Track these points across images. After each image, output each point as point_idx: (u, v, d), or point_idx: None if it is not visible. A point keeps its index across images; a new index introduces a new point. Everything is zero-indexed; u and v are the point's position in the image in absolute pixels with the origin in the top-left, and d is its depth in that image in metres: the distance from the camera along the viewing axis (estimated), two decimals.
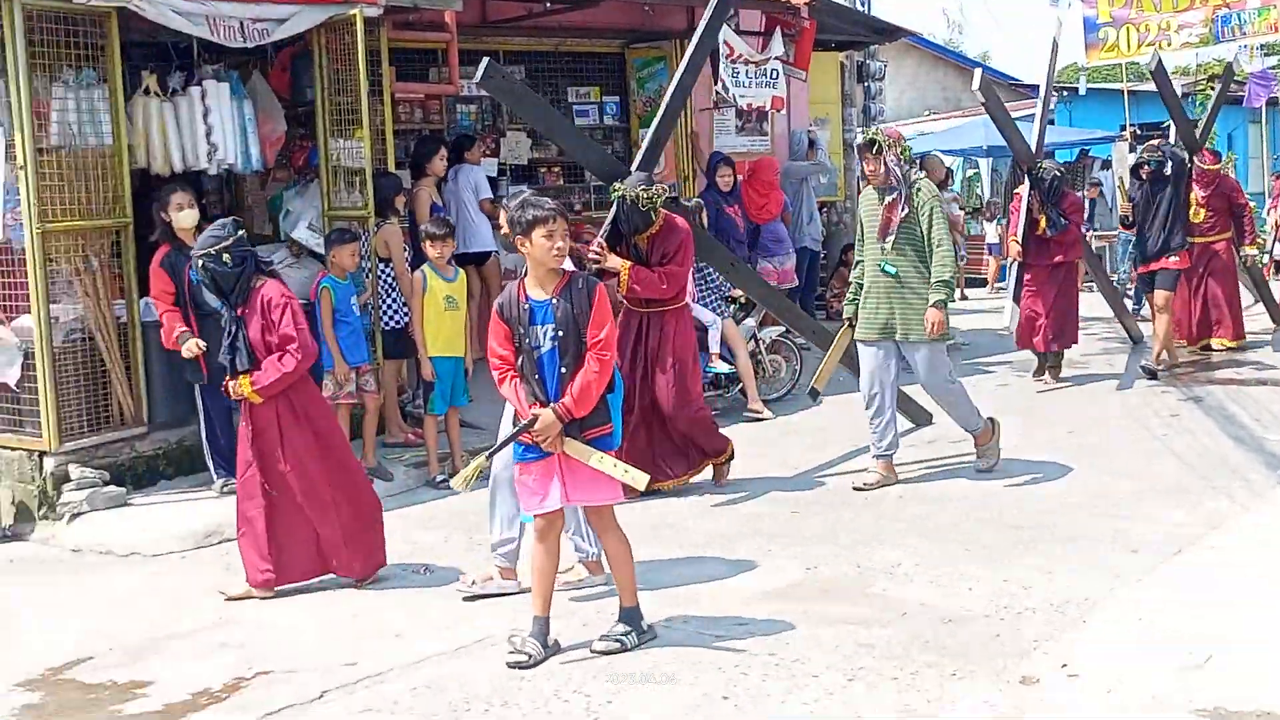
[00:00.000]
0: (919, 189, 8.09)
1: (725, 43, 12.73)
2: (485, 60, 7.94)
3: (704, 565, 6.77)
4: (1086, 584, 6.10)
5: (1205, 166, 12.80)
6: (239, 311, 6.48)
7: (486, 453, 5.95)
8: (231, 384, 6.55)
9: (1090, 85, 18.08)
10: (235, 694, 5.34)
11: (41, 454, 8.35)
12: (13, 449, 8.52)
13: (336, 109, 9.52)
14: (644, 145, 8.69)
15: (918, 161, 15.87)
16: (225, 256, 6.39)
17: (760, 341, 11.23)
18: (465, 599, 6.37)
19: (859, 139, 8.60)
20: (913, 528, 7.24)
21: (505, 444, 5.73)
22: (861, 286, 8.40)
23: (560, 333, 5.44)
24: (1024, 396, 10.97)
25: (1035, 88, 30.14)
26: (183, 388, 8.69)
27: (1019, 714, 4.75)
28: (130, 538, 7.82)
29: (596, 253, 7.88)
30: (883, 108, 18.13)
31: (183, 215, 8.31)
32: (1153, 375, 11.31)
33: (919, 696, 4.92)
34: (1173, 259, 11.57)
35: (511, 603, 6.26)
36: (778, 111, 13.74)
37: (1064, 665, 5.14)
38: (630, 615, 5.61)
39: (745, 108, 13.37)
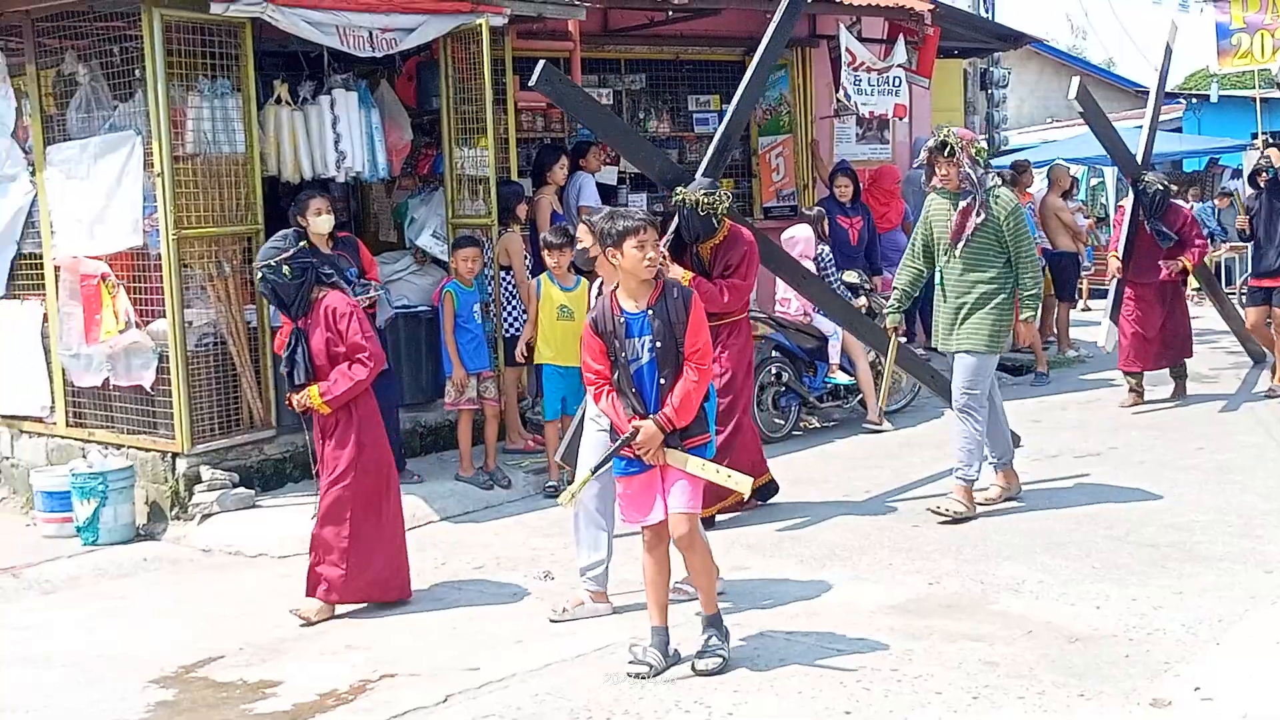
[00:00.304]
0: (997, 196, 7.90)
1: (848, 50, 12.67)
2: (541, 63, 7.81)
3: (826, 578, 6.73)
4: (1220, 605, 5.95)
5: None
6: (300, 323, 6.46)
7: (592, 468, 5.92)
8: (295, 396, 6.50)
9: (1222, 92, 17.70)
10: (361, 696, 5.43)
11: (174, 455, 8.56)
12: (146, 450, 8.74)
13: (461, 118, 9.64)
14: (710, 151, 8.44)
15: (1036, 171, 15.71)
16: (285, 268, 6.32)
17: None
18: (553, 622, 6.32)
19: (930, 141, 8.32)
20: (1037, 543, 7.13)
21: (609, 458, 5.66)
22: (907, 294, 8.29)
23: (658, 344, 5.42)
24: (1151, 412, 10.75)
25: (1166, 95, 29.61)
26: None
27: None
28: (259, 539, 7.98)
29: (658, 261, 7.72)
30: (1006, 115, 17.93)
31: (320, 220, 8.40)
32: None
33: (1045, 717, 4.84)
34: None
35: (631, 614, 6.27)
36: (900, 119, 13.63)
37: (1197, 688, 5.01)
38: (714, 620, 5.57)
39: (867, 115, 13.30)
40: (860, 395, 10.71)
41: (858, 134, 14.16)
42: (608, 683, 5.38)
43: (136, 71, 8.45)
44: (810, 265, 10.59)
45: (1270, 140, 18.82)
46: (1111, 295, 11.42)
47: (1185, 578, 6.38)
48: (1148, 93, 28.36)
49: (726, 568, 6.92)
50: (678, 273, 7.63)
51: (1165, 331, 11.04)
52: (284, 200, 10.06)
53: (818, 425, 10.59)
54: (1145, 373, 11.18)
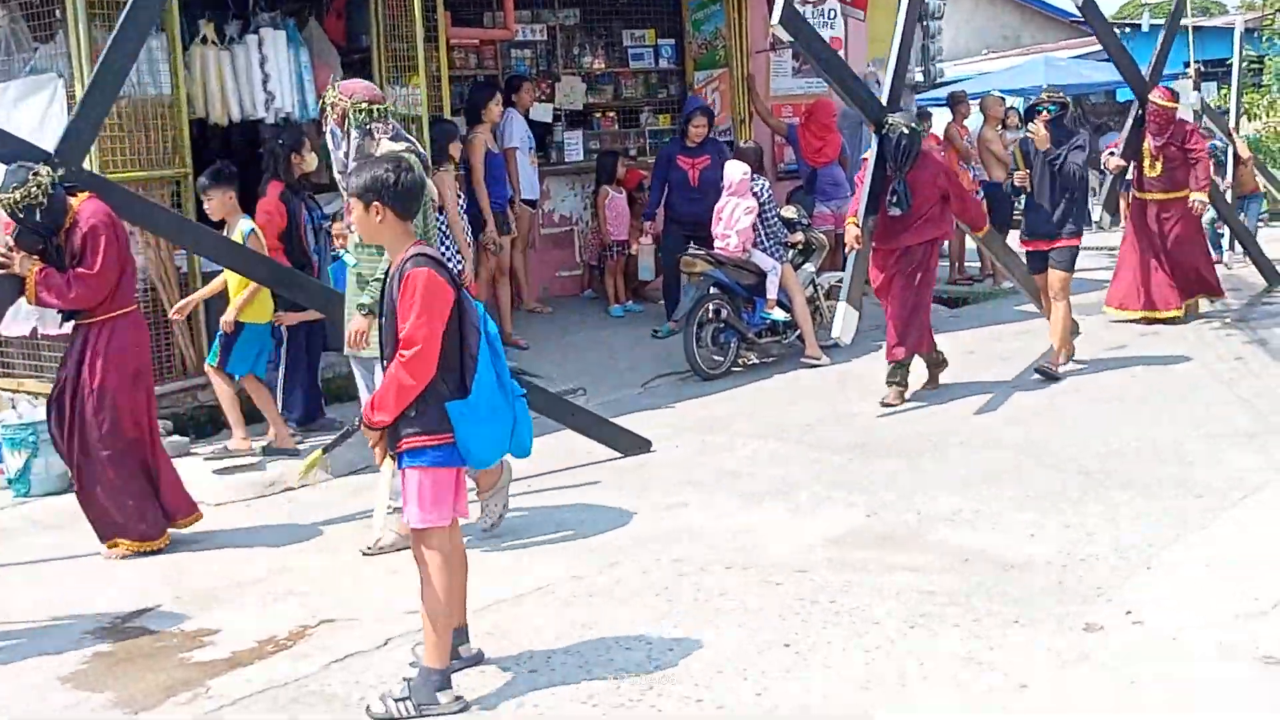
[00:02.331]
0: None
1: None
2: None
3: (764, 513, 6.77)
4: (1151, 530, 6.05)
5: (1161, 103, 10.97)
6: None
7: (324, 448, 6.00)
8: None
9: (1153, 21, 17.77)
10: (301, 641, 5.41)
11: None
12: None
13: (392, 55, 9.53)
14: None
15: (975, 103, 15.74)
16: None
17: (819, 287, 11.16)
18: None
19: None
20: (974, 474, 7.19)
21: (335, 445, 5.80)
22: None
23: (383, 323, 4.76)
24: (1088, 338, 10.84)
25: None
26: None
27: (1083, 661, 4.72)
28: (193, 487, 7.87)
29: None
30: (941, 47, 17.89)
31: (312, 158, 8.55)
32: (1052, 378, 9.39)
33: (981, 644, 4.90)
34: (1075, 236, 9.62)
35: (568, 553, 6.29)
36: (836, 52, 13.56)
37: (1128, 612, 5.10)
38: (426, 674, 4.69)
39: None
40: (798, 330, 10.73)
41: (794, 68, 14.09)
42: (549, 621, 5.38)
43: (57, 12, 8.27)
44: (751, 200, 10.59)
45: (1203, 70, 18.97)
46: (849, 271, 9.31)
47: (1117, 505, 6.47)
48: (1080, 22, 28.41)
49: (666, 505, 6.97)
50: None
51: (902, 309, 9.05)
52: (213, 142, 9.91)
53: (756, 361, 10.61)
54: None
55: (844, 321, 9.15)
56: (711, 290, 10.30)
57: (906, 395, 8.98)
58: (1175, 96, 11.24)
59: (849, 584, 5.59)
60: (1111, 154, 11.44)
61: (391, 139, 6.43)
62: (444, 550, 4.72)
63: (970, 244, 14.22)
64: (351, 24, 10.44)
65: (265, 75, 9.20)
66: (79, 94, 8.01)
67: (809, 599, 5.44)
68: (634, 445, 8.06)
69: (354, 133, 6.45)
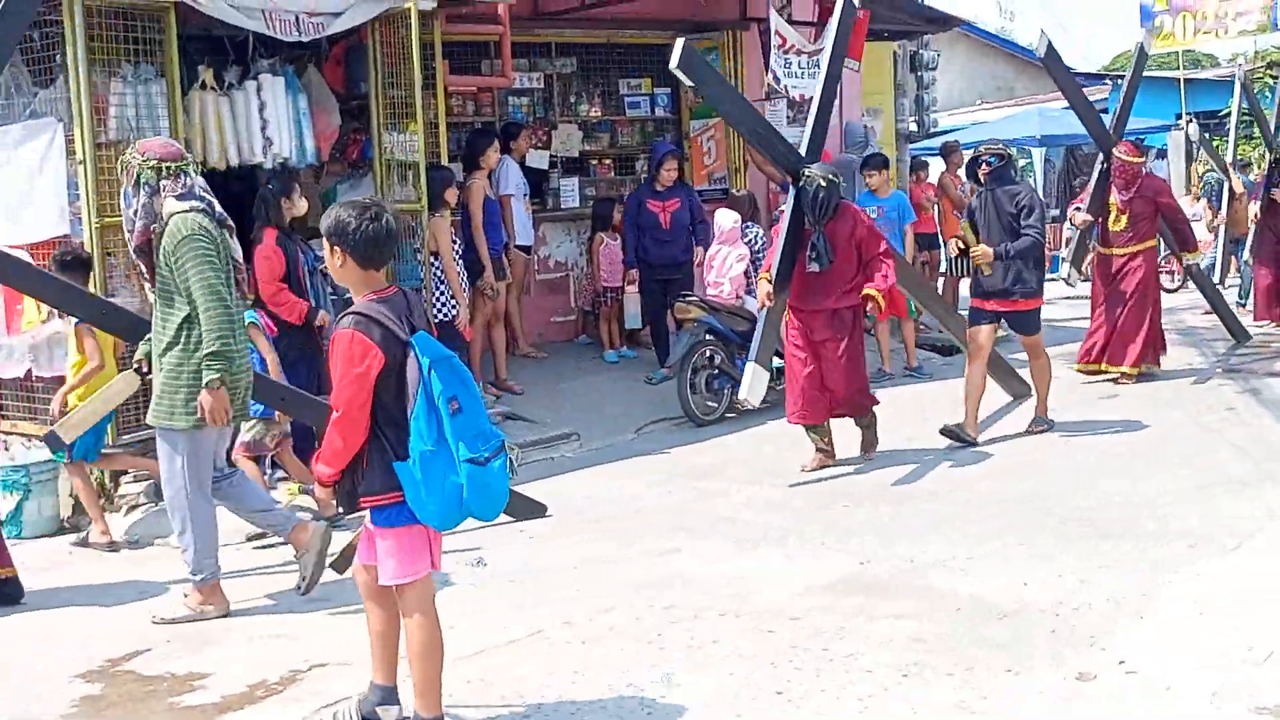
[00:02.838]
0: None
1: (777, 32, 12.70)
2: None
3: (758, 558, 6.77)
4: (1143, 579, 6.04)
5: (1126, 158, 10.94)
6: None
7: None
8: None
9: (1146, 74, 17.88)
10: (291, 686, 5.38)
11: None
12: None
13: (390, 102, 9.57)
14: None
15: (969, 152, 15.82)
16: None
17: None
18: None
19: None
20: (965, 522, 7.20)
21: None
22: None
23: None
24: (1076, 390, 10.87)
25: (1089, 76, 29.86)
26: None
27: (1076, 709, 4.71)
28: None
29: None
30: (936, 97, 18.03)
31: (302, 203, 8.69)
32: (958, 439, 9.02)
33: (974, 692, 4.89)
34: (1031, 298, 9.29)
35: (560, 599, 6.28)
36: None
37: (1121, 661, 5.09)
38: None
39: (797, 98, 13.30)
40: None
41: (789, 116, 14.16)
42: (541, 667, 5.37)
43: (58, 57, 8.31)
44: (743, 248, 10.65)
45: (1191, 119, 19.12)
46: (759, 331, 8.74)
47: (1110, 553, 6.47)
48: (1077, 74, 28.72)
49: (659, 551, 6.96)
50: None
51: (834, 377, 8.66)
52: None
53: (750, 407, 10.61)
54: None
55: (752, 383, 8.58)
56: (705, 336, 10.34)
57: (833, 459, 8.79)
58: (1142, 150, 11.11)
59: (842, 631, 5.58)
60: (1078, 209, 11.35)
61: (179, 197, 6.10)
62: (422, 604, 4.65)
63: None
64: (350, 71, 10.51)
65: (264, 121, 9.25)
66: (78, 138, 8.08)
67: (802, 646, 5.43)
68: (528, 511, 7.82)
69: (143, 191, 6.18)
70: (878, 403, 9.02)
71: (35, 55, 8.50)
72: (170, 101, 8.53)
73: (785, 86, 12.87)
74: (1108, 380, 11.01)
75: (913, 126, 17.19)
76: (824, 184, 8.52)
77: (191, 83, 9.04)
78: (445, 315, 9.49)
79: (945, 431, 9.02)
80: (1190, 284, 14.03)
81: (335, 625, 6.13)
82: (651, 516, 7.70)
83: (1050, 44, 10.99)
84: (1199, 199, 17.83)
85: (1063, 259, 11.75)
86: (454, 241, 9.78)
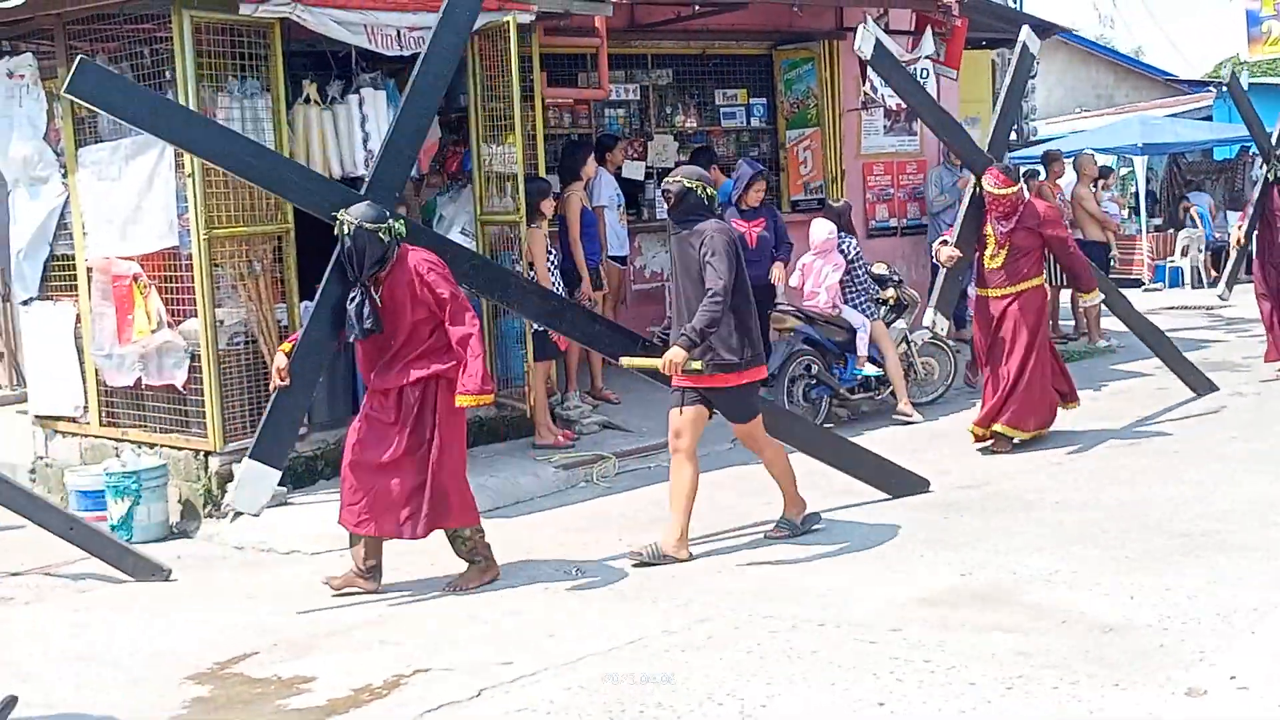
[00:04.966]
0: None
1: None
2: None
3: (858, 570, 6.73)
4: (1255, 594, 5.91)
5: (995, 191, 9.13)
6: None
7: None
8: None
9: (1252, 80, 17.58)
10: (395, 691, 5.45)
11: (207, 454, 8.61)
12: (179, 449, 8.79)
13: (489, 115, 9.66)
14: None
15: (1068, 161, 15.65)
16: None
17: (911, 344, 11.12)
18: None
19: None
20: (1069, 534, 7.10)
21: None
22: None
23: None
24: (1183, 404, 10.67)
25: (1191, 84, 29.36)
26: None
27: None
28: (290, 536, 8.01)
29: None
30: (1034, 105, 17.85)
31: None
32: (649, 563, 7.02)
33: (1080, 707, 4.82)
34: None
35: (659, 607, 6.29)
36: None
37: (1233, 677, 4.99)
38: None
39: (894, 108, 13.25)
40: (890, 386, 10.69)
41: (885, 126, 14.12)
42: (641, 676, 5.38)
43: (167, 73, 8.50)
44: (838, 257, 10.60)
45: None
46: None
47: (1219, 567, 6.34)
48: (1178, 81, 28.23)
49: (758, 560, 6.95)
50: None
51: None
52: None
53: (848, 417, 10.58)
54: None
55: (243, 487, 6.90)
56: (802, 346, 10.31)
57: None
58: (1014, 178, 9.25)
59: (943, 643, 5.53)
60: (945, 242, 9.54)
61: None
62: None
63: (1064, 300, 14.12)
64: (450, 84, 10.60)
65: (365, 134, 9.36)
66: (186, 155, 8.25)
67: (903, 658, 5.39)
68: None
69: None
70: None
71: (145, 71, 8.69)
72: (275, 115, 8.69)
73: (882, 96, 12.78)
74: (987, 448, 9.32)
75: (1011, 135, 17.01)
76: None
77: (296, 97, 9.19)
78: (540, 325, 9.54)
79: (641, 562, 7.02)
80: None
81: (438, 632, 6.19)
82: (747, 526, 7.68)
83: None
84: None
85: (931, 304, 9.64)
86: (550, 252, 9.85)
